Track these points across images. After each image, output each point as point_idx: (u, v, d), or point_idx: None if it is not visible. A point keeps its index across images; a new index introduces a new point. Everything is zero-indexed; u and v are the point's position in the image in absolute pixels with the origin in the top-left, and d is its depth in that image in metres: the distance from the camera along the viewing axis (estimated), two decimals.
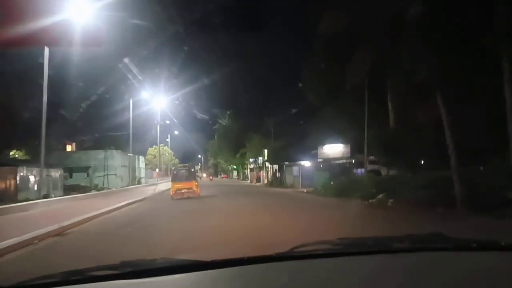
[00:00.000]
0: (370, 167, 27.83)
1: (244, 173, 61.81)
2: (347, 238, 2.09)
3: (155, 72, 44.53)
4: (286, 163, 36.42)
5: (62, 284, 1.40)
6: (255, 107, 57.81)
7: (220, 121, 63.13)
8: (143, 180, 45.79)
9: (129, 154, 43.76)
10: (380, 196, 16.34)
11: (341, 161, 26.60)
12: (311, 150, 39.17)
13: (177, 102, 53.06)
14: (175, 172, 22.60)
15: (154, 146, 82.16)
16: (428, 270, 1.54)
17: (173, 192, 20.42)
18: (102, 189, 33.19)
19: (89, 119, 41.03)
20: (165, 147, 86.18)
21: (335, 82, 20.97)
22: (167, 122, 53.39)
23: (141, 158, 46.02)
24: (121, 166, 36.57)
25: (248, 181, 54.31)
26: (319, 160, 27.35)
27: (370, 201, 16.40)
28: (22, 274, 1.51)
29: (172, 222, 9.93)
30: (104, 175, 35.40)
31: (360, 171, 26.75)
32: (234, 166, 66.26)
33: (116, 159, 35.65)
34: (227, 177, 78.87)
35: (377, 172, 25.67)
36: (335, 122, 25.90)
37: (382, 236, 2.30)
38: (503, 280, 1.42)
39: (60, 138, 42.25)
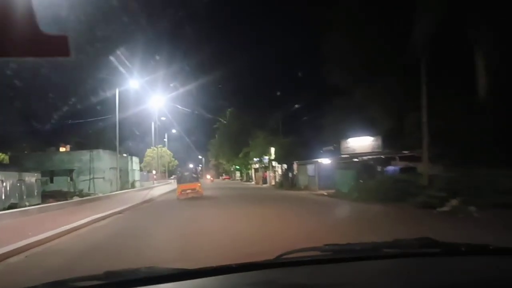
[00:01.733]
0: (393, 164, 23.06)
1: (248, 174, 56.80)
2: (335, 244, 1.84)
3: (151, 69, 40.05)
4: (297, 161, 31.50)
5: None
6: (259, 103, 53.14)
7: (220, 119, 58.41)
8: (137, 184, 40.81)
9: (124, 154, 38.99)
10: (453, 202, 11.41)
11: (369, 157, 21.62)
12: (324, 146, 34.37)
13: (175, 101, 48.32)
14: (180, 175, 23.73)
15: (152, 147, 77.53)
16: (417, 275, 1.51)
17: (179, 193, 21.27)
18: (88, 195, 28.36)
19: (80, 117, 36.15)
20: (164, 148, 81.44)
21: (371, 55, 16.15)
22: (163, 118, 48.33)
23: (135, 159, 41.03)
24: (110, 168, 31.60)
25: (253, 183, 49.28)
26: (343, 155, 22.36)
27: (439, 209, 11.47)
28: None
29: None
30: (90, 179, 30.54)
31: (392, 168, 21.87)
32: (237, 167, 61.28)
33: (103, 160, 30.68)
34: (229, 179, 73.77)
35: (410, 169, 20.79)
36: (364, 109, 21.00)
37: (370, 242, 1.92)
38: (492, 284, 1.38)
39: (49, 139, 36.83)
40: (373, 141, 21.45)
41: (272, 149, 39.58)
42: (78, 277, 1.46)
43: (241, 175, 63.32)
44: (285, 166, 36.21)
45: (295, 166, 32.78)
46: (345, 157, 22.26)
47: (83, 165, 30.49)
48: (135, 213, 14.34)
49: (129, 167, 38.87)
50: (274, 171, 39.70)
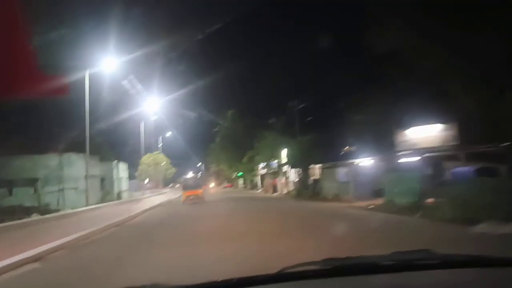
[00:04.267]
0: (467, 164, 16.30)
1: (252, 181, 49.72)
2: (335, 258, 1.76)
3: (146, 68, 33.88)
4: (322, 164, 24.58)
5: None
6: (265, 101, 46.41)
7: (221, 123, 51.65)
8: (125, 194, 33.81)
9: (115, 161, 31.94)
10: None
11: (436, 153, 14.71)
12: (350, 145, 27.62)
13: (172, 103, 41.40)
14: (184, 183, 26.12)
15: (148, 154, 70.63)
16: None
17: (184, 198, 23.75)
18: (57, 210, 21.43)
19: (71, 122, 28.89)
20: (161, 155, 74.45)
21: None
22: (155, 117, 41.12)
23: (122, 166, 34.03)
24: (86, 176, 24.66)
25: (259, 191, 42.22)
26: (400, 152, 15.42)
27: None
28: None
29: None
30: (58, 190, 23.59)
31: (463, 170, 15.05)
32: (240, 173, 54.21)
33: (76, 166, 23.71)
34: (231, 186, 66.52)
35: (491, 171, 14.01)
36: (427, 84, 14.21)
37: (370, 255, 1.88)
38: None
39: (38, 144, 29.36)
40: (443, 130, 14.53)
41: (284, 151, 32.71)
42: None
43: (244, 183, 56.24)
44: (298, 170, 29.31)
45: (315, 170, 25.87)
46: (410, 153, 15.30)
47: (50, 172, 23.56)
48: (62, 265, 7.28)
49: (114, 175, 31.86)
50: (286, 177, 32.72)
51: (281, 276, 1.60)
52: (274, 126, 35.67)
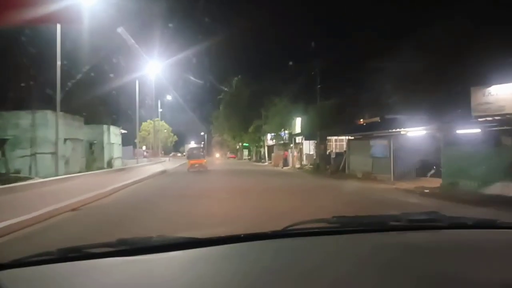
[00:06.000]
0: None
1: (259, 152, 45.63)
2: (344, 216, 1.75)
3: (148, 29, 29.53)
4: (352, 135, 20.33)
5: (59, 261, 1.30)
6: (275, 65, 41.83)
7: (226, 89, 47.22)
8: (117, 162, 29.82)
9: (119, 127, 27.99)
10: None
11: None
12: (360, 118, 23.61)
13: (175, 67, 36.69)
14: (190, 152, 28.03)
15: (148, 120, 66.50)
16: (423, 248, 1.46)
17: (189, 166, 25.66)
18: (28, 178, 17.44)
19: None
20: (162, 122, 70.26)
21: None
22: (155, 80, 36.22)
23: (114, 130, 29.78)
24: (66, 139, 20.65)
25: (266, 163, 38.17)
26: (476, 117, 11.13)
27: None
28: None
29: None
30: (30, 155, 19.58)
31: None
32: (245, 144, 50.13)
33: (53, 127, 19.47)
34: (235, 157, 62.65)
35: None
36: None
37: (378, 214, 1.97)
38: (498, 257, 1.34)
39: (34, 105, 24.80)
40: None
41: (298, 120, 28.48)
42: (91, 244, 1.39)
43: (249, 154, 52.23)
44: (314, 142, 25.13)
45: (337, 142, 21.69)
46: (481, 121, 10.98)
47: (21, 133, 19.47)
48: None
49: (105, 140, 27.79)
50: (300, 149, 28.56)
51: (288, 233, 1.58)
52: (285, 93, 31.30)
